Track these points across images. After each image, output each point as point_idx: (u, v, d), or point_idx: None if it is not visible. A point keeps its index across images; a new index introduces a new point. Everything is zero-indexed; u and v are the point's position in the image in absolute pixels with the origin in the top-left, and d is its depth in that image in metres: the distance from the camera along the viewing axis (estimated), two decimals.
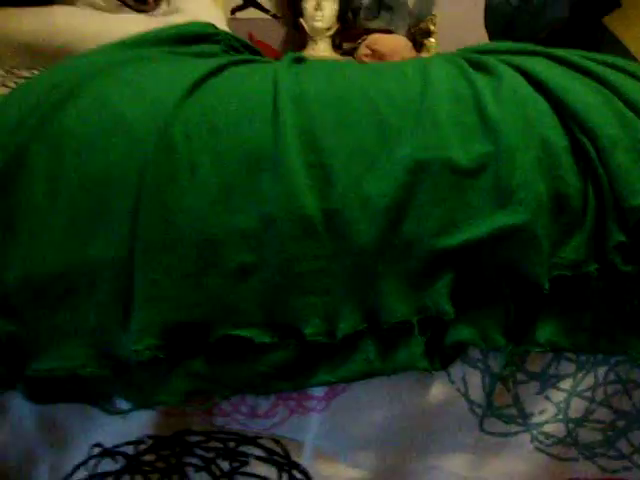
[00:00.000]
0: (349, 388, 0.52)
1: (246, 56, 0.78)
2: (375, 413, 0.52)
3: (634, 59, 0.80)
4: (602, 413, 0.52)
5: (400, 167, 0.51)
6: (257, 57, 0.84)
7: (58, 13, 0.92)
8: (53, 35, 0.89)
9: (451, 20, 2.23)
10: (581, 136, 0.52)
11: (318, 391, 0.52)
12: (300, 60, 0.74)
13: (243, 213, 0.51)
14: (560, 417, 0.52)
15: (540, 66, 0.60)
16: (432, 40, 2.27)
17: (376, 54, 2.11)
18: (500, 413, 0.52)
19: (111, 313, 0.51)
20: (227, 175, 0.53)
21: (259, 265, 0.51)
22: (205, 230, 0.51)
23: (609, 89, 0.56)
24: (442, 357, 0.50)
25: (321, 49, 2.16)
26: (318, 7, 2.05)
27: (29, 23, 0.90)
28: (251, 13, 2.33)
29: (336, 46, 2.22)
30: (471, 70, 0.61)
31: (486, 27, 0.91)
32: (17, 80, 0.84)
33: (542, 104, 0.55)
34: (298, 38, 2.22)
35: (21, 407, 0.55)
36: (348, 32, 2.23)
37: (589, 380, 0.52)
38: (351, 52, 2.19)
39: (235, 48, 0.92)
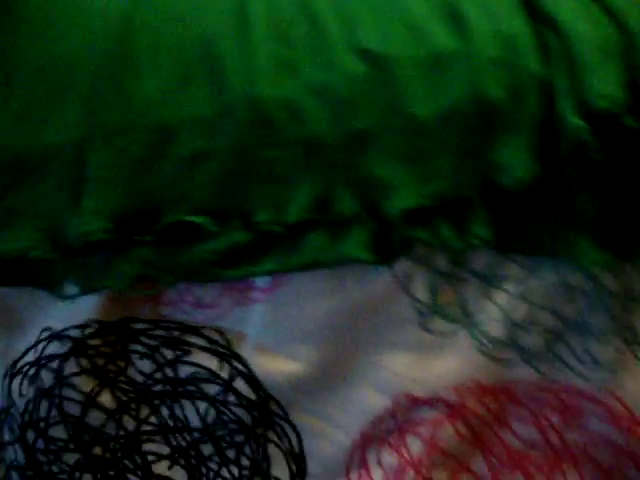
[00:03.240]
0: (293, 280, 0.55)
1: None
2: (317, 306, 0.55)
3: None
4: (545, 317, 0.54)
5: (363, 57, 0.53)
6: None
7: None
8: None
9: None
10: (546, 30, 0.54)
11: (263, 283, 0.55)
12: None
13: (200, 101, 0.54)
14: (502, 319, 0.54)
15: None
16: None
17: None
18: (443, 312, 0.54)
19: (63, 197, 0.55)
20: (187, 62, 0.56)
21: (213, 153, 0.54)
22: (161, 116, 0.54)
23: None
24: (388, 252, 0.53)
25: None
26: None
27: None
28: None
29: None
30: None
31: None
32: None
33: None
34: None
35: None
36: None
37: (534, 283, 0.54)
38: None
39: None
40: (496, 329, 0.54)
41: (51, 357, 0.58)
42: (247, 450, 0.59)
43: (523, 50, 0.53)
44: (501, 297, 0.54)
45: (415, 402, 0.55)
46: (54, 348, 0.58)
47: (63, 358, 0.58)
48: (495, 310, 0.54)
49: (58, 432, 0.59)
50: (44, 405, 0.58)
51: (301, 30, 0.56)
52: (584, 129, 0.50)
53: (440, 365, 0.55)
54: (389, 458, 0.56)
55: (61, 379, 0.57)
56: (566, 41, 0.53)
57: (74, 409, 0.58)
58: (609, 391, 0.55)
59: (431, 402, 0.55)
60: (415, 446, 0.56)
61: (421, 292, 0.54)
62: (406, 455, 0.56)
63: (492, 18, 0.55)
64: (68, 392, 0.57)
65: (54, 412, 0.57)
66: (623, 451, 0.55)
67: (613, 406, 0.55)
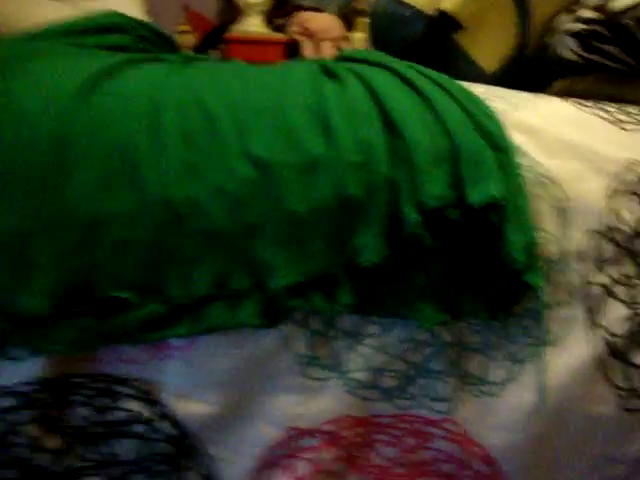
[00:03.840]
0: (201, 339, 0.69)
1: (145, 55, 0.92)
2: (221, 359, 0.69)
3: (480, 70, 0.99)
4: (398, 364, 0.71)
5: (252, 163, 0.68)
6: (159, 54, 0.99)
7: None
8: None
9: None
10: (395, 139, 0.70)
11: (177, 342, 0.70)
12: (190, 60, 0.90)
13: (122, 199, 0.67)
14: (366, 367, 0.70)
15: (378, 78, 0.78)
16: (364, 20, 2.43)
17: (307, 32, 2.26)
18: (319, 362, 0.70)
19: (11, 277, 0.67)
20: (110, 165, 0.68)
21: (134, 241, 0.67)
22: (90, 211, 0.67)
23: (426, 102, 0.73)
24: (273, 317, 0.68)
25: (253, 24, 2.29)
26: None
27: None
28: None
29: (268, 21, 2.35)
30: (323, 78, 0.78)
31: (369, 28, 1.09)
32: None
33: (372, 110, 0.72)
34: (232, 12, 2.36)
35: None
36: (280, 8, 2.37)
37: (389, 338, 0.70)
38: (282, 28, 2.33)
39: (146, 38, 1.06)
40: (361, 374, 0.70)
41: (4, 410, 0.70)
42: (172, 477, 0.73)
43: (377, 156, 0.69)
44: (364, 349, 0.70)
45: (301, 433, 0.71)
46: (5, 402, 0.71)
47: (15, 411, 0.70)
48: (360, 360, 0.70)
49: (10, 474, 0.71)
50: None
51: (204, 138, 0.70)
52: (419, 223, 0.66)
53: (319, 403, 0.71)
54: (282, 478, 0.72)
55: (13, 428, 0.70)
56: (408, 148, 0.69)
57: (24, 453, 0.70)
58: (449, 418, 0.72)
59: (314, 432, 0.71)
60: (302, 468, 0.72)
61: (301, 347, 0.70)
62: (296, 475, 0.72)
63: (354, 127, 0.70)
64: (19, 439, 0.70)
65: (6, 456, 0.70)
66: (460, 461, 0.72)
67: (453, 429, 0.72)
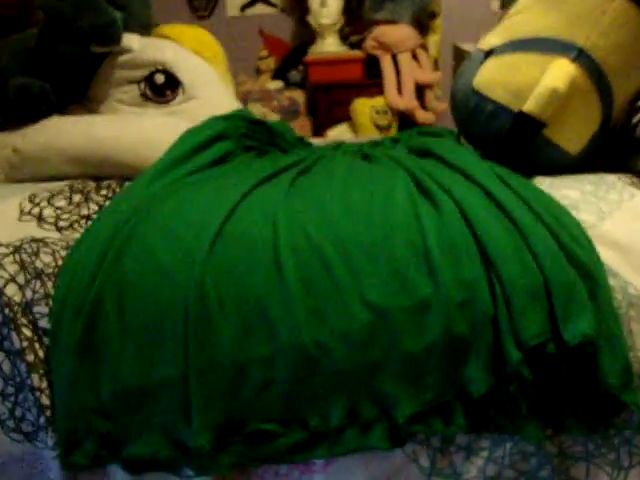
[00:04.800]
0: (339, 459, 0.82)
1: (254, 171, 1.02)
2: (356, 475, 0.83)
3: (566, 154, 1.03)
4: (509, 473, 0.81)
5: (369, 309, 0.78)
6: (261, 148, 1.09)
7: (99, 126, 1.18)
8: (96, 148, 1.15)
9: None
10: (493, 275, 0.78)
11: (319, 461, 0.83)
12: (296, 179, 0.99)
13: (260, 345, 0.80)
14: (481, 476, 0.81)
15: (472, 201, 0.85)
16: (437, 22, 2.43)
17: (383, 45, 2.28)
18: (441, 472, 0.82)
19: (176, 415, 0.81)
20: (247, 315, 0.80)
21: (274, 381, 0.79)
22: (235, 357, 0.80)
23: (519, 233, 0.80)
24: (399, 440, 0.80)
25: (329, 44, 2.36)
26: (323, 4, 2.23)
27: (75, 136, 1.16)
28: (260, 9, 2.50)
29: (344, 37, 2.39)
30: (421, 201, 0.86)
31: (452, 116, 1.14)
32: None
33: (471, 246, 0.80)
34: (306, 33, 2.41)
35: (121, 474, 0.86)
36: (354, 25, 2.40)
37: (499, 451, 0.81)
38: (358, 44, 2.36)
39: (245, 134, 1.18)
40: None
41: None
42: None
43: (479, 294, 0.77)
44: (478, 461, 0.81)
45: None
46: None
47: None
48: (475, 470, 0.82)
49: None
50: None
51: (323, 283, 0.80)
52: (520, 361, 0.75)
53: None
54: None
55: None
56: (507, 288, 0.77)
57: None
58: None
59: None
60: None
61: (424, 461, 0.81)
62: None
63: (456, 265, 0.79)
64: None
65: None
66: None
67: None
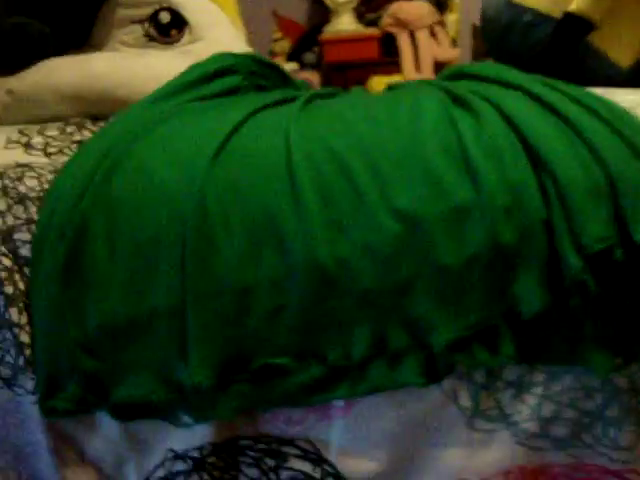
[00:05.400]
0: (363, 399, 0.69)
1: (264, 99, 0.92)
2: (385, 418, 0.69)
3: (617, 67, 0.92)
4: (569, 413, 0.68)
5: (398, 218, 0.66)
6: (275, 92, 0.99)
7: (95, 61, 1.09)
8: (93, 83, 1.05)
9: None
10: (544, 176, 0.66)
11: (339, 402, 0.70)
12: (311, 99, 0.88)
13: (269, 265, 0.68)
14: (534, 416, 0.68)
15: (513, 104, 0.73)
16: (456, 0, 2.35)
17: (400, 22, 2.20)
18: (485, 415, 0.68)
19: (171, 350, 0.69)
20: (254, 232, 0.69)
21: (286, 307, 0.67)
22: (240, 280, 0.68)
23: (572, 129, 0.69)
24: (436, 374, 0.67)
25: (345, 22, 2.27)
26: None
27: (70, 73, 1.07)
28: None
29: (359, 16, 2.31)
30: (455, 109, 0.74)
31: (483, 36, 1.02)
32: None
33: (515, 147, 0.68)
34: (321, 13, 2.33)
35: (109, 422, 0.74)
36: (370, 2, 2.32)
37: (557, 386, 0.67)
38: (375, 22, 2.28)
39: (256, 72, 1.07)
40: (530, 425, 0.68)
41: (177, 473, 0.74)
42: None
43: (528, 197, 0.65)
44: (531, 399, 0.68)
45: None
46: (179, 466, 0.74)
47: (187, 474, 0.74)
48: (527, 410, 0.68)
49: None
50: None
51: (344, 193, 0.68)
52: (582, 268, 0.62)
53: (488, 456, 0.69)
54: None
55: None
56: (562, 187, 0.65)
57: None
58: (632, 468, 0.68)
59: None
60: None
61: (466, 400, 0.68)
62: None
63: (500, 167, 0.67)
64: None
65: None
66: None
67: (633, 478, 0.68)
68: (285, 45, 2.41)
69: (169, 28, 1.17)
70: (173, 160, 0.74)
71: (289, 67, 2.29)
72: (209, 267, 0.69)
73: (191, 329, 0.68)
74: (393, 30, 2.17)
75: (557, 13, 0.88)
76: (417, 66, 2.15)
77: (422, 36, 2.20)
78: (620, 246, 0.64)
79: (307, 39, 2.36)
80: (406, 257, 0.66)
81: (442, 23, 2.25)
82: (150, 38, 1.17)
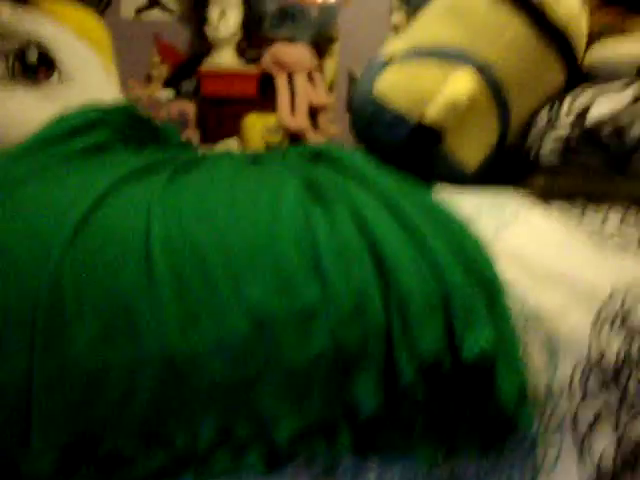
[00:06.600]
0: None
1: (130, 161, 0.90)
2: None
3: (462, 171, 1.00)
4: None
5: (248, 315, 0.68)
6: (142, 145, 0.98)
7: None
8: None
9: (354, 26, 2.43)
10: (388, 284, 0.71)
11: None
12: (178, 170, 0.88)
13: (121, 352, 0.67)
14: None
15: (368, 207, 0.77)
16: (335, 46, 2.43)
17: (280, 64, 2.24)
18: None
19: (12, 432, 0.67)
20: (108, 317, 0.68)
21: (136, 395, 0.67)
22: (91, 365, 0.67)
23: (418, 241, 0.73)
24: (278, 462, 0.69)
25: (225, 57, 2.27)
26: (222, 16, 2.15)
27: None
28: (156, 15, 2.39)
29: (240, 52, 2.32)
30: (312, 205, 0.77)
31: (351, 123, 1.07)
32: None
33: (364, 252, 0.72)
34: (202, 44, 2.31)
35: None
36: (252, 39, 2.34)
37: (389, 474, 0.72)
38: (255, 59, 2.30)
39: (125, 126, 1.05)
40: None
41: None
42: None
43: (370, 304, 0.69)
44: None
45: None
46: None
47: None
48: None
49: None
50: None
51: (198, 284, 0.69)
52: (414, 378, 0.68)
53: None
54: None
55: None
56: (402, 298, 0.69)
57: None
58: None
59: None
60: None
61: None
62: None
63: (347, 271, 0.70)
64: None
65: None
66: None
67: None
68: (163, 70, 2.37)
69: (37, 67, 1.12)
70: (29, 233, 0.72)
71: (165, 94, 2.25)
72: (59, 350, 0.67)
73: (36, 412, 0.66)
74: (272, 70, 2.20)
75: (415, 115, 0.92)
76: (292, 108, 2.19)
77: (300, 79, 2.24)
78: (451, 358, 0.69)
79: (186, 67, 2.33)
80: (255, 355, 0.68)
81: (320, 68, 2.32)
82: (13, 75, 1.11)
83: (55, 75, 1.13)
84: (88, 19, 1.26)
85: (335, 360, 0.68)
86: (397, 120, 0.94)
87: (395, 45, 1.05)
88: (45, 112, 1.00)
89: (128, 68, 2.11)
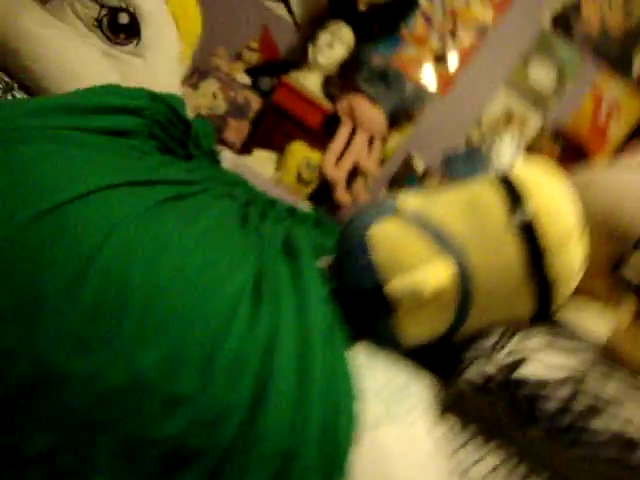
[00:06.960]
0: None
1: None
2: None
3: (398, 344, 1.03)
4: None
5: (128, 369, 0.68)
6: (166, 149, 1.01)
7: (25, 17, 1.06)
8: (12, 39, 1.04)
9: (436, 119, 2.47)
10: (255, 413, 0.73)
11: None
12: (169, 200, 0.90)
13: None
14: None
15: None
16: (408, 126, 2.47)
17: (352, 114, 2.27)
18: None
19: None
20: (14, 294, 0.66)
21: None
22: None
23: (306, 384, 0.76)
24: None
25: (311, 80, 2.31)
26: (330, 45, 2.19)
27: None
28: (278, 8, 2.43)
29: (325, 83, 2.35)
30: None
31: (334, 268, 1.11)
32: None
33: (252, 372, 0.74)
34: (300, 58, 2.35)
35: None
36: (342, 79, 2.37)
37: None
38: (334, 97, 2.34)
39: (160, 123, 1.09)
40: None
41: None
42: None
43: (229, 424, 0.68)
44: None
45: None
46: None
47: None
48: None
49: None
50: None
51: (106, 318, 0.68)
52: None
53: None
54: None
55: None
56: (258, 432, 0.71)
57: None
58: None
59: None
60: None
61: None
62: None
63: (231, 381, 0.69)
64: None
65: None
66: None
67: None
68: (254, 58, 2.42)
69: (120, 30, 1.17)
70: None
71: (244, 78, 2.30)
72: None
73: None
74: (343, 116, 2.24)
75: (384, 276, 0.96)
76: (340, 158, 2.22)
77: (361, 137, 2.29)
78: None
79: (274, 68, 2.37)
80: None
81: (385, 138, 2.34)
82: (98, 25, 1.16)
83: (132, 44, 1.18)
84: (192, 8, 1.32)
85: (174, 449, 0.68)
86: (369, 269, 0.97)
87: (412, 202, 1.08)
88: (104, 74, 1.05)
89: (226, 35, 2.14)
